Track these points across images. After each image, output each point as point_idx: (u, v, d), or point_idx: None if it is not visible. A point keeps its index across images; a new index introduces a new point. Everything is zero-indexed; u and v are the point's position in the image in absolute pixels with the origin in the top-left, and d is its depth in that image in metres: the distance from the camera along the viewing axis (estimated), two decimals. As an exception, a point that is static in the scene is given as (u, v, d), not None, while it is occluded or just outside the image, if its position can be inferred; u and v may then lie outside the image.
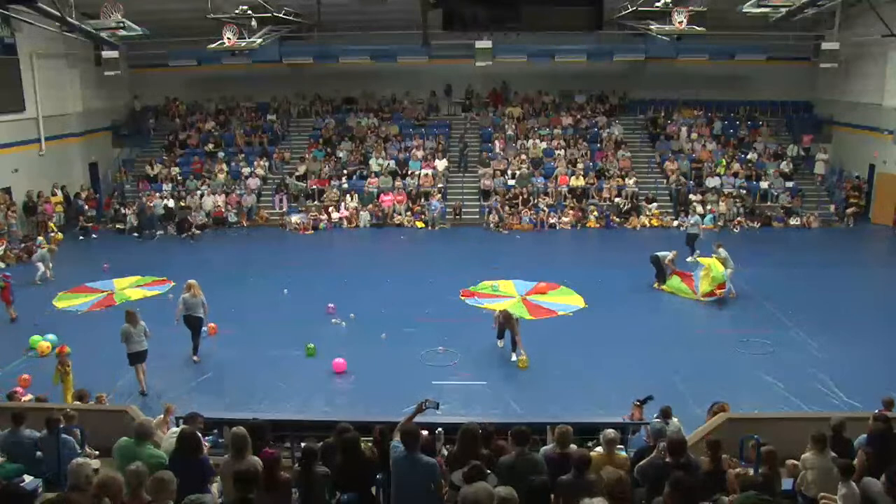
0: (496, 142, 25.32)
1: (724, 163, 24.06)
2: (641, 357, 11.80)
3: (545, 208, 22.50)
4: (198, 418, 6.72)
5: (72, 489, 4.59)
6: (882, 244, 21.24)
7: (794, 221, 22.27)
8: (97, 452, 6.99)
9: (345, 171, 24.33)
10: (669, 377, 10.20)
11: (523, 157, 24.51)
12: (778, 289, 15.37)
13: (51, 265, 16.74)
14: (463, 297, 15.24)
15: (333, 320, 13.64)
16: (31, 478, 6.24)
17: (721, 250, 15.15)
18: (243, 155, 25.31)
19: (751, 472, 6.02)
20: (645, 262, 15.99)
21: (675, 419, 7.47)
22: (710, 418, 7.89)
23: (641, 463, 5.69)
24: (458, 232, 22.14)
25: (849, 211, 22.31)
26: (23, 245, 19.35)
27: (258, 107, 27.56)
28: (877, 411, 6.90)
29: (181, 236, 21.42)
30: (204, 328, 12.12)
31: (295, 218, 22.40)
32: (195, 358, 11.80)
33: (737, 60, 24.49)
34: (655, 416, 7.59)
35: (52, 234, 20.15)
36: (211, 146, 25.60)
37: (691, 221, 18.74)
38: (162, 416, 7.84)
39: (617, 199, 23.03)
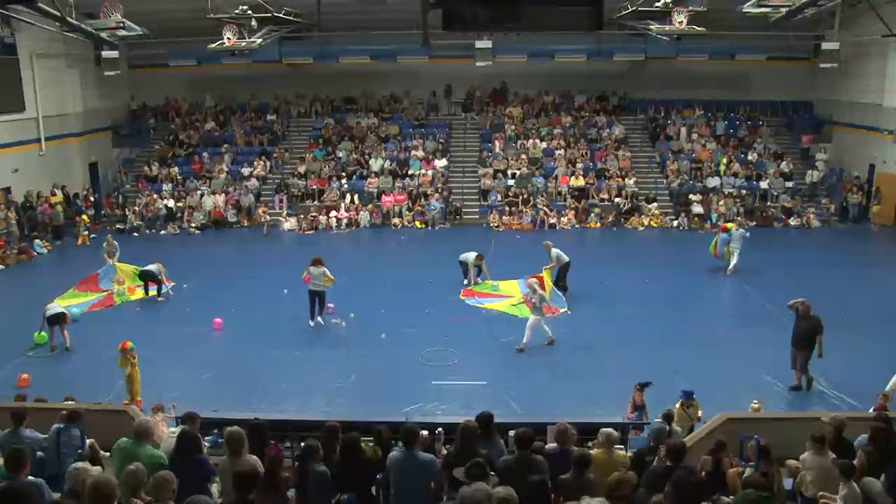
0: (496, 142, 25.31)
1: (725, 163, 24.06)
2: (641, 356, 11.77)
3: (545, 208, 22.48)
4: (196, 418, 6.70)
5: (70, 495, 4.55)
6: (882, 244, 21.22)
7: (793, 221, 22.27)
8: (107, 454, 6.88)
9: (345, 172, 24.33)
10: (669, 376, 10.18)
11: (523, 157, 24.50)
12: (777, 289, 15.35)
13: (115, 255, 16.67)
14: (463, 297, 15.24)
15: (333, 320, 13.65)
16: (31, 479, 6.19)
17: (740, 230, 16.49)
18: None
19: (748, 471, 6.01)
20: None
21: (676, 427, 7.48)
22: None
23: (644, 475, 5.64)
24: (458, 232, 22.13)
25: (849, 199, 22.33)
26: (20, 245, 19.33)
27: (259, 107, 27.56)
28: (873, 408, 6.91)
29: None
30: None
31: (287, 225, 22.41)
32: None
33: (737, 60, 24.54)
34: (657, 417, 7.59)
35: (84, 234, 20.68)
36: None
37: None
38: (160, 415, 7.80)
39: (617, 199, 23.02)
